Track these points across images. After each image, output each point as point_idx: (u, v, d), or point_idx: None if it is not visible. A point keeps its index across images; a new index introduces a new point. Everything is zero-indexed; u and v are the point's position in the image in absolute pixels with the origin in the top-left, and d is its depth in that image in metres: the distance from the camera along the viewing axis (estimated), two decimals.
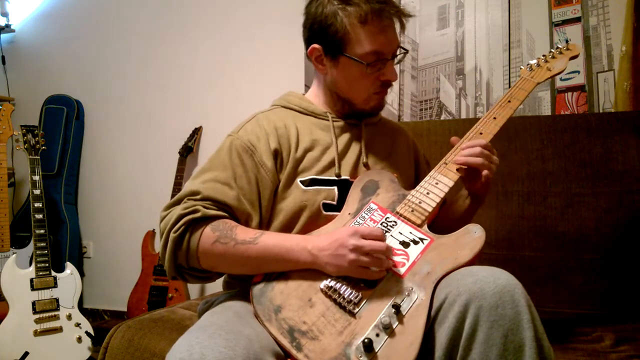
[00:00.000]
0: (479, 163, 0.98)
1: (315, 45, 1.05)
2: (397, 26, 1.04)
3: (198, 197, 0.95)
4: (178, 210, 0.93)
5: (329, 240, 0.86)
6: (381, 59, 1.02)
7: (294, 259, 0.88)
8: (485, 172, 0.98)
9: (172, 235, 0.92)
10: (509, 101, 1.09)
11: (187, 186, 0.98)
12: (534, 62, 1.19)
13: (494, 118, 1.07)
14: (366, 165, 1.08)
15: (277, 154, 1.02)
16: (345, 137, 1.09)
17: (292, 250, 0.88)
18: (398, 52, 1.06)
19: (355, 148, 1.09)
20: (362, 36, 1.00)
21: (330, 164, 1.04)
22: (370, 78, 1.04)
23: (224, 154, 1.02)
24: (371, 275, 0.84)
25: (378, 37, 1.00)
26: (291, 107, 1.12)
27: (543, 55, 1.20)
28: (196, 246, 0.91)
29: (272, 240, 0.90)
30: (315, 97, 1.14)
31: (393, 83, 1.09)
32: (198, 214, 0.92)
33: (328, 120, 1.10)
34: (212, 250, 0.91)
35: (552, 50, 1.21)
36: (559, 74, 1.17)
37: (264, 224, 1.01)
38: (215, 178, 0.98)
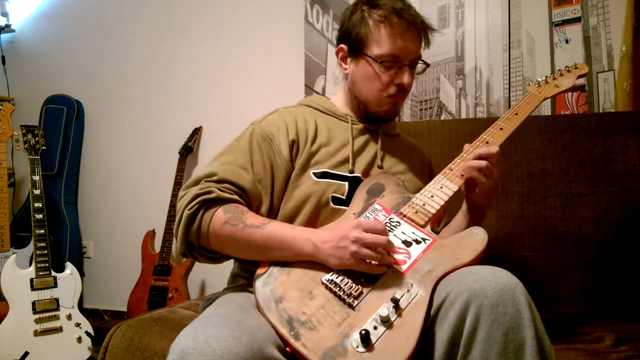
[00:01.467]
0: (476, 166, 0.98)
1: (342, 45, 1.15)
2: (423, 44, 1.12)
3: (214, 178, 0.99)
4: (194, 190, 0.98)
5: (332, 233, 0.89)
6: (397, 62, 1.07)
7: (296, 248, 0.90)
8: (475, 174, 0.99)
9: (186, 212, 0.96)
10: (516, 114, 1.12)
11: (206, 167, 1.02)
12: (541, 79, 1.22)
13: (501, 129, 1.10)
14: (380, 168, 1.13)
15: (293, 144, 1.08)
16: (363, 138, 1.14)
17: (296, 240, 0.91)
18: (419, 63, 1.12)
19: (370, 150, 1.14)
20: (382, 37, 1.07)
21: (344, 161, 1.09)
22: (385, 79, 1.09)
23: (244, 140, 1.07)
24: (372, 269, 0.85)
25: (396, 40, 1.06)
26: (314, 107, 1.18)
27: (551, 74, 1.23)
28: (207, 225, 0.95)
29: (278, 228, 0.94)
30: (338, 100, 1.20)
31: (408, 90, 1.13)
32: (212, 195, 0.96)
33: (347, 122, 1.14)
34: (222, 230, 0.94)
35: (560, 69, 1.24)
36: (566, 90, 1.21)
37: (274, 211, 1.05)
38: (233, 161, 1.03)
